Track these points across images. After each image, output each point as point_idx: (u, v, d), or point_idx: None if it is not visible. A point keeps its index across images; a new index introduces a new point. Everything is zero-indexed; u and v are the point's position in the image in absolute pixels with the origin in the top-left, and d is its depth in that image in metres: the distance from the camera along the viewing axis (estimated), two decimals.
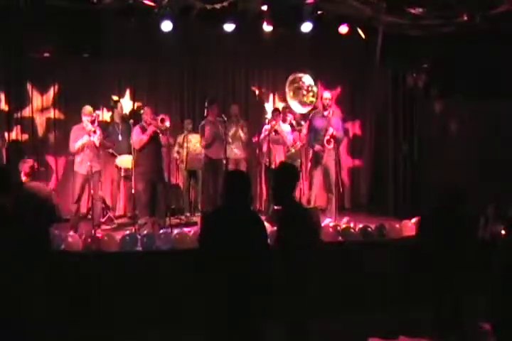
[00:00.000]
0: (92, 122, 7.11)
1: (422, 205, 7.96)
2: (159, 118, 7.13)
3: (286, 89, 7.90)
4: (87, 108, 7.21)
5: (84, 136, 7.06)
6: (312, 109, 8.01)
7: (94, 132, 7.04)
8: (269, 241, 3.88)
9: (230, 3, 6.88)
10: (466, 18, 6.93)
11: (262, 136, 8.03)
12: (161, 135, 7.12)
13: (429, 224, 5.24)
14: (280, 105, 9.00)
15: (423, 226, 5.37)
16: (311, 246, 4.11)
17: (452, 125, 8.50)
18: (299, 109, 7.95)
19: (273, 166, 7.82)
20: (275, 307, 3.97)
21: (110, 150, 7.85)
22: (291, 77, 7.87)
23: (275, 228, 6.28)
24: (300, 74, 7.91)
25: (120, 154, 7.82)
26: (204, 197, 8.14)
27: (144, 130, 7.12)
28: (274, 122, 7.90)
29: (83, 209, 7.69)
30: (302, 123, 8.19)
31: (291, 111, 8.12)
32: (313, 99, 7.88)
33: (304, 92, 7.86)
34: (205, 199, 8.07)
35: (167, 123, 7.13)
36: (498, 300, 4.37)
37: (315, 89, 7.93)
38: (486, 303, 4.67)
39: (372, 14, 7.13)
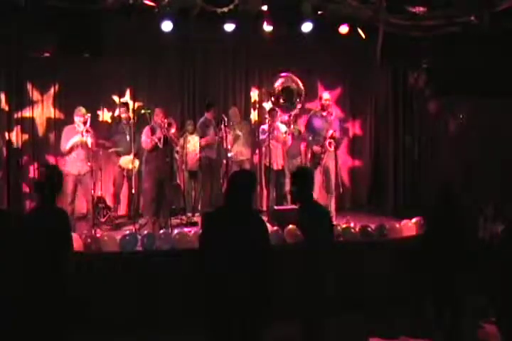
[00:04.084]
0: (84, 123, 7.09)
1: (422, 205, 7.97)
2: (166, 122, 7.15)
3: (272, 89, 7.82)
4: (81, 109, 7.20)
5: (76, 135, 7.03)
6: (305, 110, 8.01)
7: (87, 131, 7.01)
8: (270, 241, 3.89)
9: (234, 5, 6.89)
10: (473, 17, 6.92)
11: (261, 136, 8.01)
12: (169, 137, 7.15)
13: (430, 224, 5.25)
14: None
15: (426, 226, 5.39)
16: (328, 245, 4.17)
17: (452, 125, 8.51)
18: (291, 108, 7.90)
19: (274, 166, 7.83)
20: (291, 306, 4.01)
21: (111, 150, 7.84)
22: (282, 75, 7.81)
23: (275, 228, 6.35)
24: (292, 77, 7.87)
25: (124, 154, 7.82)
26: (203, 197, 8.13)
27: (153, 131, 7.16)
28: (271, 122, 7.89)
29: (83, 210, 7.69)
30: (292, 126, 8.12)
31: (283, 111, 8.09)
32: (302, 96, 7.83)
33: (294, 90, 7.78)
34: (204, 200, 8.07)
35: (173, 130, 7.17)
36: (498, 300, 4.38)
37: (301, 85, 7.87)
38: (487, 303, 4.68)
39: (372, 14, 7.13)
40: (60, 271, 3.84)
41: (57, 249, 3.84)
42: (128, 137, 7.81)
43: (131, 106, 8.84)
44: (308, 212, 4.29)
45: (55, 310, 3.80)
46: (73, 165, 7.07)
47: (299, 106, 7.69)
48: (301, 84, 7.59)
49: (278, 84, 7.57)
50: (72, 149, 7.06)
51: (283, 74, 7.66)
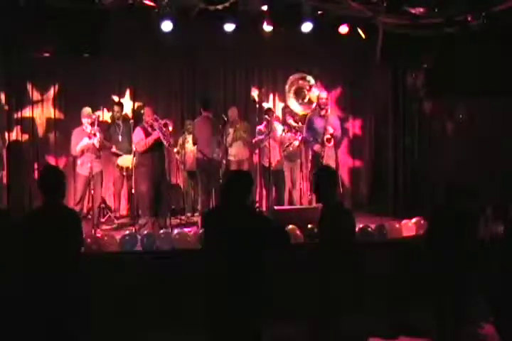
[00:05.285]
0: (92, 124, 7.14)
1: (422, 205, 7.97)
2: (163, 122, 7.15)
3: (287, 90, 7.92)
4: (86, 110, 7.24)
5: (84, 138, 7.11)
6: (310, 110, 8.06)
7: (94, 135, 7.10)
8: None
9: (230, 4, 6.87)
10: (469, 18, 6.92)
11: (258, 136, 8.04)
12: (163, 138, 7.13)
13: (432, 224, 5.25)
14: (280, 105, 9.03)
15: (428, 226, 5.39)
16: (345, 244, 4.16)
17: (451, 125, 8.50)
18: (300, 109, 7.97)
19: (272, 166, 7.84)
20: (291, 306, 4.00)
21: (113, 150, 7.85)
22: (292, 78, 7.91)
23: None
24: (301, 75, 7.94)
25: (122, 154, 7.83)
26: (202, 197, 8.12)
27: (145, 131, 7.12)
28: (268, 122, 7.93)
29: (84, 210, 7.69)
30: (299, 124, 8.16)
31: (291, 113, 8.13)
32: (315, 98, 7.93)
33: (306, 92, 7.90)
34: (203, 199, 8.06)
35: (170, 128, 7.18)
36: (498, 300, 4.38)
37: (316, 88, 7.98)
38: (487, 303, 4.67)
39: (371, 15, 7.12)
40: (63, 270, 3.83)
41: (60, 248, 3.83)
42: (120, 137, 7.84)
43: (130, 106, 8.86)
44: (325, 213, 4.26)
45: (57, 310, 3.80)
46: (83, 167, 7.16)
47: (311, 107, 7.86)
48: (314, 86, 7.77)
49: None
50: (82, 152, 7.15)
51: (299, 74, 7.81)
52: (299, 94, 7.91)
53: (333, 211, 4.23)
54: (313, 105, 7.96)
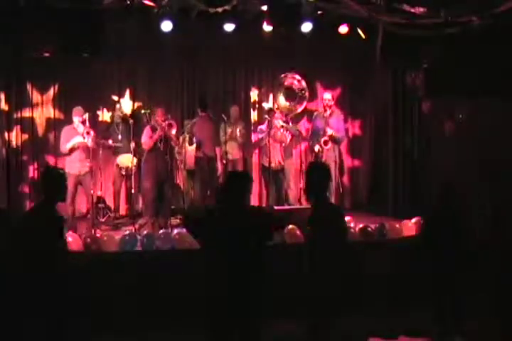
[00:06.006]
0: (83, 122, 7.11)
1: (421, 205, 7.96)
2: (167, 122, 7.18)
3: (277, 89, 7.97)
4: (79, 109, 7.22)
5: (76, 136, 7.06)
6: (304, 110, 8.11)
7: (88, 133, 7.04)
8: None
9: (231, 6, 6.89)
10: (470, 18, 6.93)
11: (259, 135, 8.04)
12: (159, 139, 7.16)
13: (429, 224, 5.26)
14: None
15: (425, 225, 5.39)
16: (339, 245, 4.14)
17: (451, 125, 8.50)
18: (289, 108, 8.00)
19: (272, 165, 7.84)
20: (291, 306, 3.99)
21: (114, 144, 7.85)
22: (281, 77, 7.95)
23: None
24: (292, 74, 7.98)
25: (121, 153, 7.83)
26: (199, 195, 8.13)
27: (153, 130, 7.20)
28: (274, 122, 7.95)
29: (83, 210, 7.69)
30: (290, 124, 8.17)
31: (281, 112, 8.15)
32: (305, 95, 7.95)
33: (296, 91, 7.93)
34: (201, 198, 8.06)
35: (173, 131, 7.22)
36: (498, 300, 4.39)
37: (304, 84, 7.99)
38: (487, 303, 4.68)
39: (371, 14, 7.12)
40: (56, 270, 3.84)
41: (50, 249, 3.82)
42: (120, 137, 7.84)
43: (130, 106, 8.86)
44: (314, 212, 4.23)
45: (56, 310, 3.80)
46: (73, 166, 7.08)
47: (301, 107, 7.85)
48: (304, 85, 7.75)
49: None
50: (72, 150, 7.09)
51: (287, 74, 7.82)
52: (289, 93, 7.94)
53: (325, 211, 4.20)
54: (304, 105, 8.01)
